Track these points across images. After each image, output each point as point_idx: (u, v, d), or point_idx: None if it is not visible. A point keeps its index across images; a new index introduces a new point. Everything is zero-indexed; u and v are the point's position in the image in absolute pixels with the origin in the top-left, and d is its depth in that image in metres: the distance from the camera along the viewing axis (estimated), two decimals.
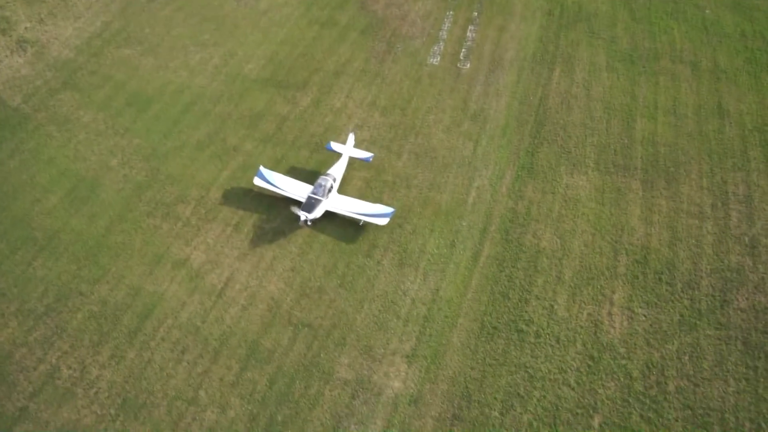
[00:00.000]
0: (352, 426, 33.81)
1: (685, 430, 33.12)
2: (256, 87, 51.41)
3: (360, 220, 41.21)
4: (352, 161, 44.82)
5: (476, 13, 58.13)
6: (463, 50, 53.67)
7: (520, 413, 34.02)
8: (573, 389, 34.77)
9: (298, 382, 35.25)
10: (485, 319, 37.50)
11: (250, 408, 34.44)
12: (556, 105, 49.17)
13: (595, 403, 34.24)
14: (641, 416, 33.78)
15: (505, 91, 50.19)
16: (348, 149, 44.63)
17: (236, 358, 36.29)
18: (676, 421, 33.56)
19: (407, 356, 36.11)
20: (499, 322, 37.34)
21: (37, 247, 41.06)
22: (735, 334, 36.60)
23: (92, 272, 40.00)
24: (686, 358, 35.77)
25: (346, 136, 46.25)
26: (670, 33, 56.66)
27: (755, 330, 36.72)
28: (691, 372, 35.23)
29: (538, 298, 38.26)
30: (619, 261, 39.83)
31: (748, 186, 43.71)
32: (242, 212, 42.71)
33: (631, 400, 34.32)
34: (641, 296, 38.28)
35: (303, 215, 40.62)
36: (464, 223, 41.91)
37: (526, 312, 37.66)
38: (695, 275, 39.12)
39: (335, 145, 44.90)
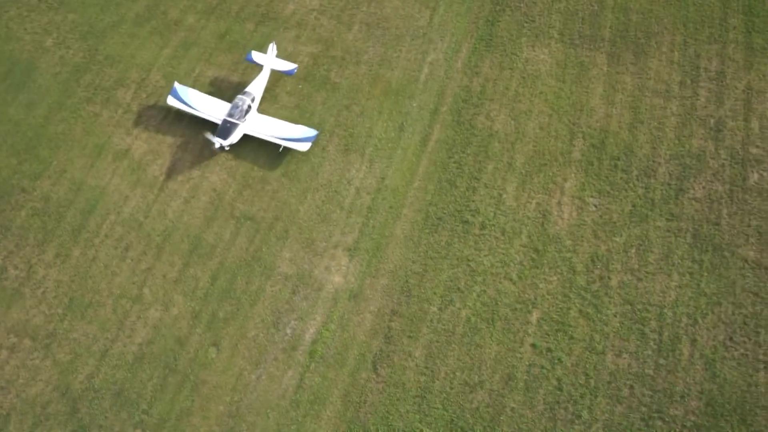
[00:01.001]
0: (292, 322, 33.60)
1: (621, 326, 32.28)
2: None
3: (280, 146, 37.48)
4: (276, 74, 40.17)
5: None
6: None
7: (459, 308, 33.27)
8: (514, 283, 33.75)
9: (239, 277, 34.51)
10: (430, 209, 35.84)
11: (192, 305, 33.97)
12: None
13: (535, 299, 33.30)
14: (580, 311, 32.88)
15: None
16: (269, 60, 39.82)
17: (179, 254, 35.38)
18: (615, 316, 32.63)
19: (349, 249, 35.00)
20: (444, 213, 35.71)
21: None
22: (686, 226, 34.73)
23: (33, 167, 38.18)
24: (633, 251, 34.20)
25: (267, 47, 40.98)
26: None
27: (707, 221, 34.76)
28: (636, 266, 33.81)
29: (487, 187, 36.28)
30: (574, 146, 37.24)
31: (722, 60, 39.64)
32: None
33: (572, 295, 33.28)
34: (594, 184, 36.09)
35: (217, 142, 36.86)
36: (414, 104, 38.98)
37: (473, 201, 35.85)
38: (653, 161, 36.57)
39: (256, 56, 39.94)
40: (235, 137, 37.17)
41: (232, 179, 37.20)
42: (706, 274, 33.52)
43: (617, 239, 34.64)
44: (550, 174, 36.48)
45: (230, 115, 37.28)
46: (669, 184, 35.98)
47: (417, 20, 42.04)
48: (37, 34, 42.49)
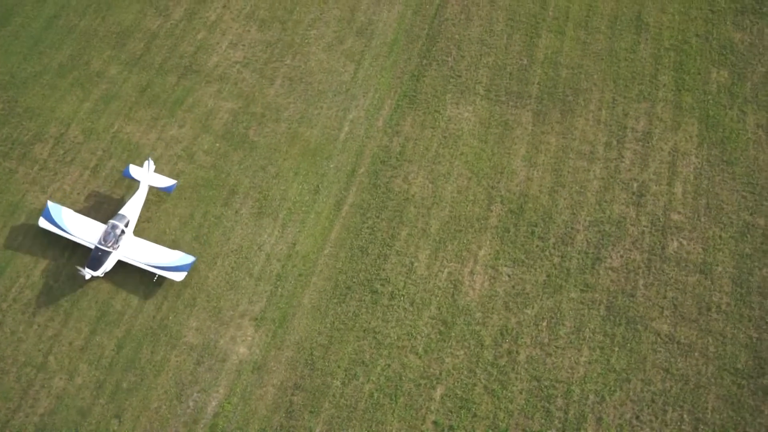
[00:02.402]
0: (195, 394, 34.44)
1: (527, 403, 32.96)
2: None
3: (155, 276, 36.78)
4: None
5: None
6: None
7: (363, 383, 34.01)
8: (420, 357, 34.45)
9: (145, 346, 35.35)
10: (340, 277, 36.54)
11: (97, 374, 34.87)
12: (454, 15, 44.44)
13: (440, 374, 33.99)
14: (485, 388, 33.52)
15: None
16: (147, 177, 39.02)
17: (86, 321, 36.25)
18: (521, 393, 33.30)
19: (255, 319, 35.75)
20: (353, 281, 36.40)
21: None
22: (600, 297, 35.28)
23: None
24: (544, 324, 34.84)
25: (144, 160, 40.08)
26: None
27: (622, 292, 35.31)
28: (546, 340, 34.44)
29: (399, 254, 36.92)
30: (492, 211, 37.81)
31: (650, 120, 40.11)
32: (101, 153, 40.81)
33: (478, 371, 33.97)
34: (509, 253, 36.71)
35: (88, 273, 36.11)
36: (332, 165, 39.69)
37: (383, 270, 36.53)
38: (572, 228, 37.11)
39: (134, 171, 39.22)
40: (107, 266, 36.65)
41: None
42: (617, 348, 34.07)
43: (528, 311, 35.21)
44: (465, 241, 37.08)
45: (102, 242, 36.76)
46: (586, 253, 36.50)
47: (341, 75, 42.78)
48: None
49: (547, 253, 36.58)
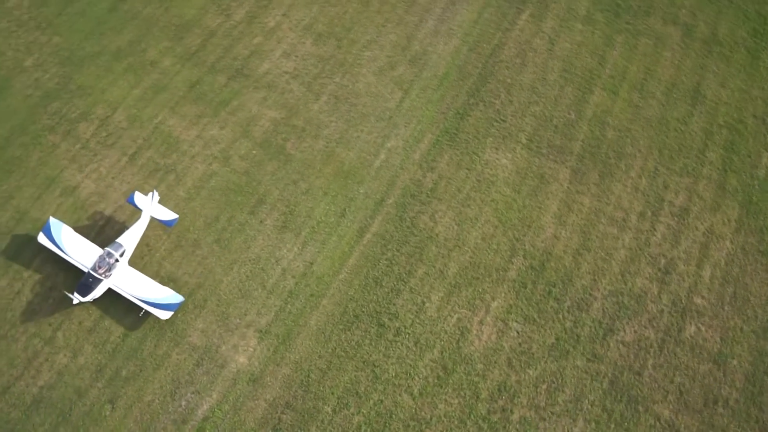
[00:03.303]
0: (189, 394, 35.56)
1: None
2: None
3: (142, 311, 37.18)
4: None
5: None
6: None
7: (353, 414, 34.67)
8: (414, 399, 34.92)
9: (150, 339, 36.61)
10: (350, 305, 37.25)
11: (99, 358, 36.31)
12: (510, 58, 44.81)
13: (431, 419, 34.42)
14: None
15: (459, 31, 45.86)
16: (150, 207, 39.37)
17: (99, 304, 37.54)
18: None
19: (260, 331, 36.72)
20: (362, 311, 37.08)
21: None
22: (605, 370, 35.26)
23: None
24: (543, 387, 34.96)
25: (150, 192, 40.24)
26: None
27: (629, 369, 35.21)
28: (543, 404, 34.55)
29: (412, 291, 37.47)
30: (513, 263, 38.07)
31: (690, 196, 39.85)
32: (141, 141, 42.43)
33: (468, 423, 34.28)
34: (522, 309, 36.91)
35: (76, 299, 36.71)
36: (362, 190, 40.42)
37: (394, 305, 37.12)
38: (590, 294, 37.15)
39: (138, 199, 39.61)
40: (96, 293, 37.19)
41: (167, 236, 39.39)
42: (613, 425, 34.02)
43: (530, 371, 35.40)
44: (480, 289, 37.42)
45: (95, 268, 37.27)
46: (600, 322, 36.49)
47: (386, 101, 43.53)
48: (20, 52, 45.71)
49: (560, 315, 36.69)
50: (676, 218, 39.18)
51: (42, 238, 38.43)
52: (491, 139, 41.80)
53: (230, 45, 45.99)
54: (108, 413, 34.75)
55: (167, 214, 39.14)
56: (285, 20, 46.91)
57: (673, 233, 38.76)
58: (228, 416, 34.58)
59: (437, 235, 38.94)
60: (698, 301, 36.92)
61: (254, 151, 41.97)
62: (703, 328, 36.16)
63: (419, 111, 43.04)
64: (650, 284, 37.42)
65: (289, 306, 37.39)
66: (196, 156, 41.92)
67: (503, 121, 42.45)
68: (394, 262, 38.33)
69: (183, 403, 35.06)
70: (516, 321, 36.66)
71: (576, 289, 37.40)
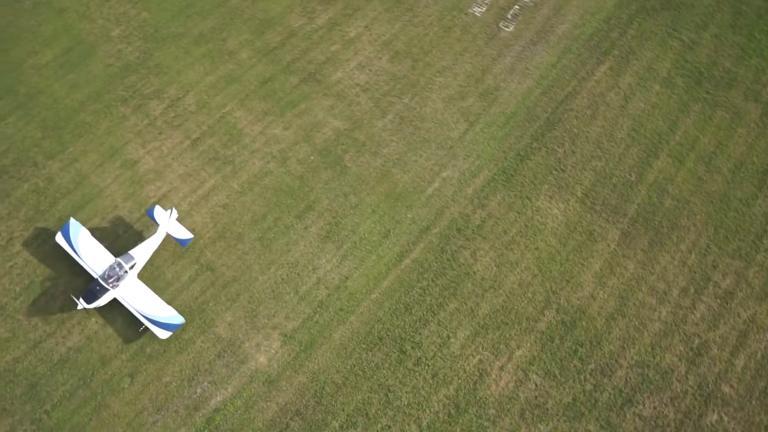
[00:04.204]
0: (206, 383, 36.97)
1: None
2: None
3: (143, 325, 38.05)
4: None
5: None
6: (516, 7, 49.01)
7: None
8: (421, 430, 35.66)
9: None
10: (376, 326, 38.11)
11: (128, 332, 37.98)
12: (581, 108, 44.88)
13: None
14: None
15: (535, 72, 46.16)
16: (167, 223, 40.05)
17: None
18: None
19: (285, 335, 37.91)
20: (387, 335, 37.90)
21: (16, 103, 44.88)
22: None
23: (52, 146, 43.60)
24: None
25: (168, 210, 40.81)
26: (764, 56, 48.57)
27: None
28: None
29: (440, 324, 38.11)
30: (544, 315, 38.32)
31: (738, 281, 39.34)
32: (205, 128, 44.11)
33: None
34: (545, 362, 37.15)
35: (80, 304, 37.81)
36: (410, 215, 41.19)
37: (419, 334, 37.83)
38: (615, 361, 37.13)
39: (157, 213, 40.36)
40: (101, 302, 38.17)
41: (213, 225, 40.90)
42: None
43: (541, 427, 35.64)
44: (507, 335, 37.82)
45: (104, 277, 38.26)
46: (621, 391, 36.48)
47: (450, 130, 44.16)
48: (109, 22, 47.91)
49: (582, 376, 36.82)
50: (719, 300, 38.83)
51: (59, 238, 39.46)
52: (547, 186, 42.09)
53: (308, 48, 47.33)
54: (126, 386, 36.41)
55: (183, 233, 39.85)
56: (366, 32, 48.01)
57: (713, 315, 38.45)
58: (239, 412, 35.85)
59: (475, 272, 39.48)
60: (726, 389, 36.58)
61: (312, 157, 43.19)
62: (725, 418, 35.82)
63: (481, 146, 43.61)
64: (679, 362, 37.24)
65: (317, 316, 38.49)
66: (255, 152, 43.39)
67: (562, 170, 42.68)
68: (427, 292, 39.04)
69: (198, 390, 36.48)
70: (536, 373, 36.97)
71: (603, 352, 37.48)
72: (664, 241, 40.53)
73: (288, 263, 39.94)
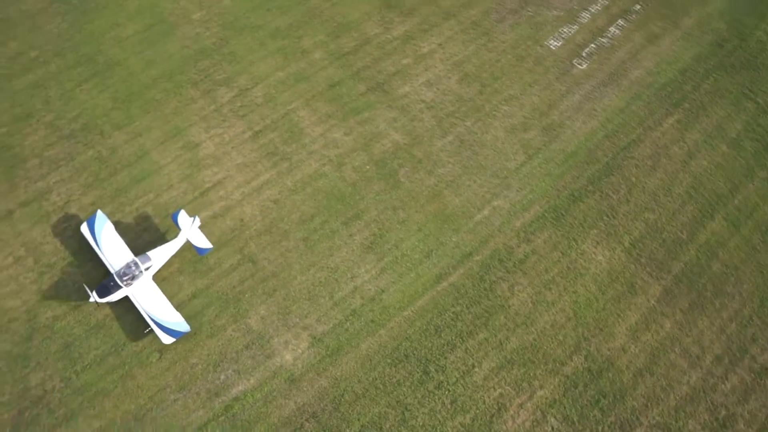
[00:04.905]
0: (230, 371, 38.22)
1: None
2: None
3: (148, 327, 39.03)
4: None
5: (638, 7, 51.88)
6: (592, 45, 49.09)
7: None
8: None
9: (213, 307, 39.63)
10: (404, 343, 38.86)
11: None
12: (642, 157, 44.82)
13: None
14: None
15: (601, 114, 46.22)
16: (189, 230, 40.71)
17: (181, 258, 41.05)
18: None
19: (314, 337, 38.96)
20: (413, 353, 38.61)
21: (93, 71, 47.01)
22: None
23: (120, 117, 45.54)
24: None
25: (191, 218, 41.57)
26: None
27: None
28: None
29: (467, 352, 38.66)
30: (572, 360, 38.52)
31: None
32: (269, 122, 45.42)
33: None
34: (565, 407, 37.37)
35: (93, 297, 38.73)
36: (454, 239, 41.81)
37: (445, 358, 38.45)
38: (636, 418, 37.13)
39: (181, 218, 40.95)
40: (113, 298, 39.11)
41: (261, 219, 42.19)
42: None
43: None
44: (531, 374, 38.17)
45: (119, 275, 39.17)
46: None
47: (508, 160, 44.59)
48: (192, 4, 49.68)
49: (600, 427, 36.90)
50: (753, 375, 38.48)
51: (84, 229, 40.75)
52: (596, 231, 42.22)
53: (380, 57, 48.30)
54: (154, 360, 37.91)
55: (203, 242, 40.53)
56: (439, 50, 48.76)
57: (745, 389, 38.13)
58: (257, 405, 37.02)
59: (510, 306, 39.92)
60: None
61: (368, 167, 44.15)
62: None
63: (536, 180, 43.96)
64: (702, 431, 37.12)
65: (348, 323, 39.43)
66: (313, 153, 44.54)
67: (614, 217, 42.75)
68: (459, 318, 39.63)
69: (222, 376, 37.77)
70: (555, 417, 37.24)
71: (625, 407, 37.54)
72: (705, 305, 40.32)
73: (328, 267, 41.00)
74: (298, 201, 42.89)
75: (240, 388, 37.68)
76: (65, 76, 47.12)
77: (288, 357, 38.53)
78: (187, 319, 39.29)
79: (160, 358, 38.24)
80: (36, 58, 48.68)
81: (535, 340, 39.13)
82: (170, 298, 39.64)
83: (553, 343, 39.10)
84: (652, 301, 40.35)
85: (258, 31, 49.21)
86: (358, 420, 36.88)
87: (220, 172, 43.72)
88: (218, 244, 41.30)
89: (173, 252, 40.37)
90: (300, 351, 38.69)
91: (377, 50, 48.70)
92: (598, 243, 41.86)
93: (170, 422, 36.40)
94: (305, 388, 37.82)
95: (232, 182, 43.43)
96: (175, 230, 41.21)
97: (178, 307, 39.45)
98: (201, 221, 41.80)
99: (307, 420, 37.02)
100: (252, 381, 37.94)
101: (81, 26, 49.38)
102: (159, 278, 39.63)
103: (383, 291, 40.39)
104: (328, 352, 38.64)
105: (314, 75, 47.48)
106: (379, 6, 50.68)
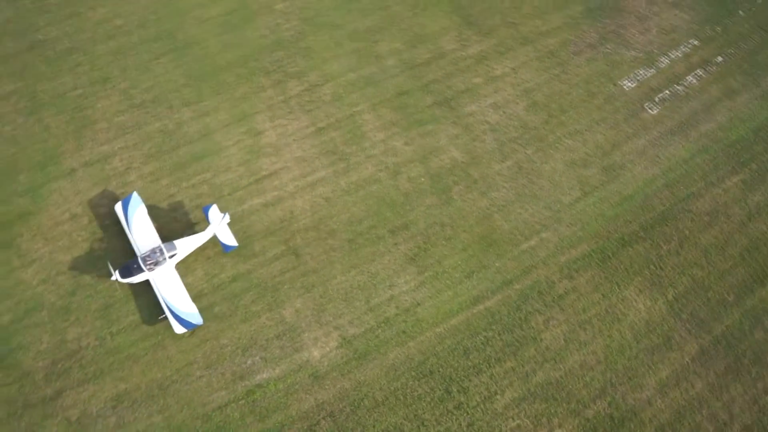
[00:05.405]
0: (258, 357, 39.22)
1: None
2: (443, 5, 52.13)
3: (163, 314, 39.97)
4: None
5: (720, 59, 51.37)
6: (667, 92, 48.78)
7: None
8: None
9: (251, 293, 40.77)
10: (431, 359, 39.35)
11: (203, 286, 40.83)
12: (700, 212, 44.41)
13: None
14: None
15: (663, 163, 45.93)
16: (218, 225, 41.38)
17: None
18: None
19: (344, 338, 39.74)
20: (438, 371, 39.05)
21: (172, 46, 48.74)
22: None
23: (191, 95, 47.11)
24: None
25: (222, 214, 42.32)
26: None
27: None
28: None
29: (492, 378, 38.95)
30: (595, 404, 38.48)
31: None
32: (333, 120, 46.40)
33: None
34: None
35: (115, 275, 39.65)
36: (497, 264, 42.15)
37: (469, 381, 38.84)
38: None
39: (212, 213, 41.58)
40: (134, 280, 39.98)
41: (311, 214, 43.19)
42: None
43: None
44: (553, 410, 38.27)
45: (143, 258, 40.03)
46: None
47: (563, 194, 44.71)
48: None
49: None
50: None
51: (118, 208, 42.04)
52: (640, 279, 42.05)
53: (452, 73, 48.89)
54: (187, 335, 39.14)
55: (230, 239, 41.41)
56: (511, 74, 49.14)
57: None
58: (278, 395, 37.96)
59: (542, 340, 40.09)
60: None
61: (423, 179, 44.76)
62: None
63: (588, 218, 43.97)
64: None
65: (379, 330, 40.10)
66: (372, 157, 45.38)
67: (661, 268, 42.51)
68: (489, 343, 39.95)
69: (249, 361, 38.81)
70: None
71: None
72: (741, 372, 39.85)
73: (368, 272, 41.75)
74: (349, 202, 43.77)
75: (264, 375, 38.70)
76: (145, 48, 48.97)
77: (316, 353, 39.40)
78: (224, 301, 40.56)
79: (193, 333, 39.48)
80: (120, 27, 50.70)
81: (561, 377, 39.25)
82: (212, 277, 41.03)
83: (579, 383, 39.15)
84: (687, 359, 40.06)
85: (336, 30, 50.31)
86: (374, 427, 37.51)
87: (278, 162, 44.87)
88: (265, 232, 42.44)
89: (199, 244, 41.40)
90: (328, 349, 39.53)
91: (450, 66, 49.30)
92: (640, 291, 41.72)
93: (192, 397, 37.63)
94: (327, 387, 38.63)
95: (288, 174, 44.54)
96: (205, 223, 42.38)
97: (218, 287, 40.79)
98: (252, 207, 43.05)
99: (323, 418, 37.82)
100: (277, 371, 38.92)
101: (168, 1, 51.21)
102: (204, 257, 40.97)
103: (419, 304, 40.98)
104: (355, 356, 39.40)
105: (384, 81, 48.35)
106: (459, 22, 51.33)
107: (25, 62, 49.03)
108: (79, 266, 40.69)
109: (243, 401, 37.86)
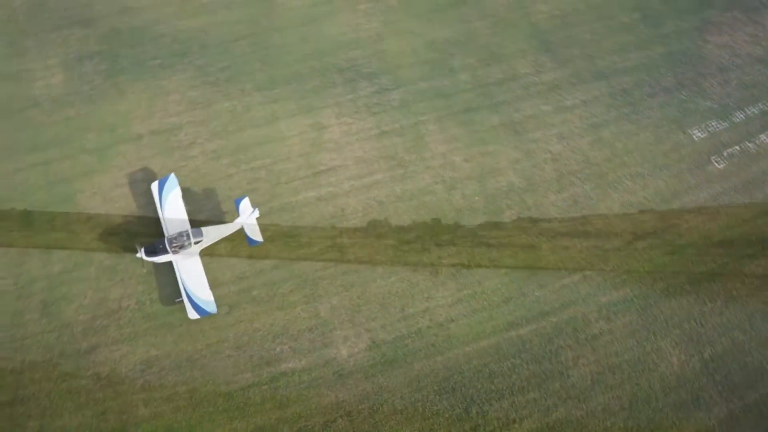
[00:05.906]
0: (287, 346, 40.23)
1: None
2: (524, 28, 52.90)
3: (180, 297, 40.74)
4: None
5: None
6: (737, 147, 47.96)
7: None
8: None
9: (290, 282, 41.95)
10: (456, 377, 39.81)
11: (246, 269, 42.22)
12: (752, 276, 43.32)
13: None
14: None
15: (722, 219, 45.14)
16: (246, 218, 42.23)
17: (275, 230, 43.44)
18: None
19: (374, 342, 40.51)
20: (461, 389, 39.47)
21: (252, 32, 51.37)
22: None
23: (263, 80, 48.74)
24: None
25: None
26: None
27: None
28: None
29: (513, 406, 39.19)
30: None
31: None
32: (397, 126, 47.22)
33: None
34: None
35: (140, 252, 40.80)
36: (537, 293, 42.34)
37: (490, 405, 39.16)
38: None
39: (243, 206, 42.62)
40: (158, 260, 41.02)
41: (361, 215, 44.02)
42: None
43: None
44: None
45: (170, 240, 41.03)
46: None
47: (614, 234, 44.37)
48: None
49: None
50: None
51: (154, 187, 43.39)
52: (678, 332, 41.68)
53: (522, 97, 49.18)
54: (222, 313, 40.48)
55: (256, 234, 42.23)
56: (581, 107, 49.12)
57: None
58: (301, 386, 38.97)
59: (569, 376, 40.19)
60: None
61: (477, 198, 45.24)
62: None
63: (635, 263, 43.69)
64: None
65: (409, 340, 40.72)
66: (430, 168, 46.03)
67: (701, 325, 42.08)
68: (516, 371, 40.22)
69: (278, 349, 39.89)
70: None
71: None
72: None
73: (408, 281, 42.40)
74: (401, 209, 44.51)
75: (290, 365, 39.72)
76: (226, 29, 50.61)
77: (344, 352, 40.25)
78: (263, 286, 41.78)
79: (228, 312, 40.77)
80: (205, 6, 52.57)
81: (582, 417, 39.29)
82: (255, 261, 42.26)
83: (599, 426, 39.12)
84: (714, 421, 39.63)
85: (415, 38, 51.11)
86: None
87: (337, 159, 45.87)
88: (314, 226, 43.49)
89: (226, 234, 42.52)
90: (356, 350, 40.34)
91: (521, 89, 49.62)
92: (677, 344, 41.43)
93: (218, 374, 38.91)
94: (349, 386, 39.45)
95: (346, 172, 45.50)
96: (235, 215, 43.30)
97: (260, 272, 42.04)
98: (305, 199, 44.20)
99: (341, 416, 38.67)
100: (303, 362, 39.90)
101: None
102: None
103: (452, 320, 41.47)
104: (382, 360, 40.12)
105: (454, 95, 48.94)
106: (536, 47, 51.60)
107: (112, 26, 51.21)
108: (132, 230, 42.39)
109: (266, 386, 38.97)
